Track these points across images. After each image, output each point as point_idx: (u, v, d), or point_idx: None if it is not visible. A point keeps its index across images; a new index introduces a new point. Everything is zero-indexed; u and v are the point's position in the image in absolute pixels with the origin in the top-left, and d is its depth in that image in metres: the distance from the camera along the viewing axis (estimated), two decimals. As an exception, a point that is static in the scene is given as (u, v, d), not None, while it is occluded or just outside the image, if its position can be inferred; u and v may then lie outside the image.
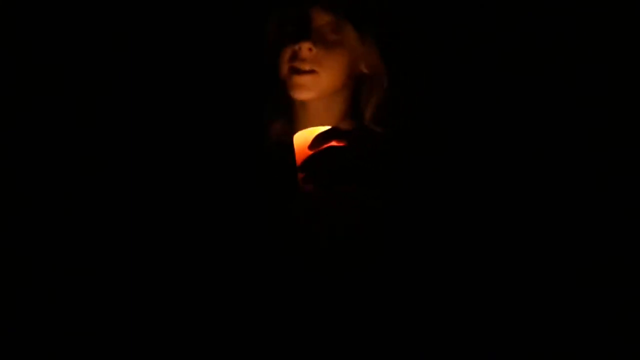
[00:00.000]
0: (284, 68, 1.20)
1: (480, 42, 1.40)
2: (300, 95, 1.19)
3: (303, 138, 1.05)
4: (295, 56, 1.17)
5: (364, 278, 1.11)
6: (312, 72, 1.17)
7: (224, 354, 1.14)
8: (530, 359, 1.17)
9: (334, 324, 1.11)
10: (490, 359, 1.13)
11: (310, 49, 1.16)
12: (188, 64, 1.43)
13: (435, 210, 1.15)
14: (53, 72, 1.40)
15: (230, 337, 1.14)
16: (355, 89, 1.25)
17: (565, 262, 1.25)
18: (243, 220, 1.19)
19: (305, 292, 1.12)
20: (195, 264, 1.20)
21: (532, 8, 1.39)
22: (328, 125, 1.08)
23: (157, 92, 1.42)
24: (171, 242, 1.24)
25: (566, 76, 1.37)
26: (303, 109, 1.25)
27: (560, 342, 1.19)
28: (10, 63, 1.39)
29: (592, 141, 1.33)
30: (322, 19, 1.18)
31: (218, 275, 1.18)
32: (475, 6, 1.40)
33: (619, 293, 1.23)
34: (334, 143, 1.03)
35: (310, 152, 1.03)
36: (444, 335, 1.11)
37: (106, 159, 1.37)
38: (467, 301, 1.14)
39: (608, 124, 1.34)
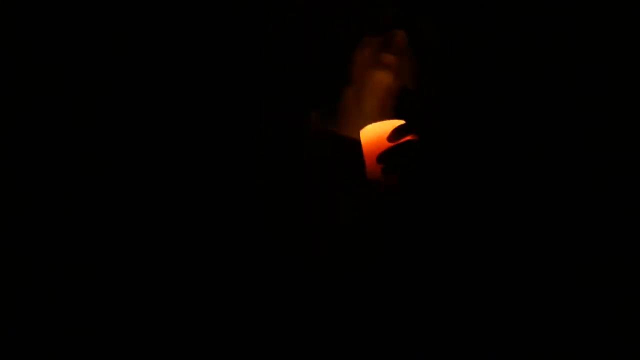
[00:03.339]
0: (365, 53, 1.23)
1: (480, 42, 1.40)
2: (387, 77, 1.22)
3: (372, 131, 1.07)
4: (385, 44, 1.23)
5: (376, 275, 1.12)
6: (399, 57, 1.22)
7: (224, 354, 1.14)
8: (530, 359, 1.17)
9: (335, 324, 1.11)
10: (490, 359, 1.13)
11: (403, 38, 1.23)
12: (191, 64, 1.43)
13: (442, 208, 1.16)
14: (53, 72, 1.40)
15: (231, 337, 1.14)
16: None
17: (566, 261, 1.25)
18: (253, 217, 1.19)
19: (319, 291, 1.13)
20: (197, 264, 1.20)
21: (532, 8, 1.39)
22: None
23: (159, 91, 1.42)
24: (172, 242, 1.24)
25: (566, 76, 1.37)
26: (357, 107, 1.24)
27: (560, 342, 1.19)
28: (10, 63, 1.39)
29: (592, 141, 1.33)
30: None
31: (220, 275, 1.18)
32: (475, 6, 1.40)
33: (619, 293, 1.23)
34: (410, 137, 1.07)
35: (388, 145, 1.05)
36: (445, 335, 1.12)
37: (106, 159, 1.37)
38: (469, 301, 1.14)
39: (608, 124, 1.34)
